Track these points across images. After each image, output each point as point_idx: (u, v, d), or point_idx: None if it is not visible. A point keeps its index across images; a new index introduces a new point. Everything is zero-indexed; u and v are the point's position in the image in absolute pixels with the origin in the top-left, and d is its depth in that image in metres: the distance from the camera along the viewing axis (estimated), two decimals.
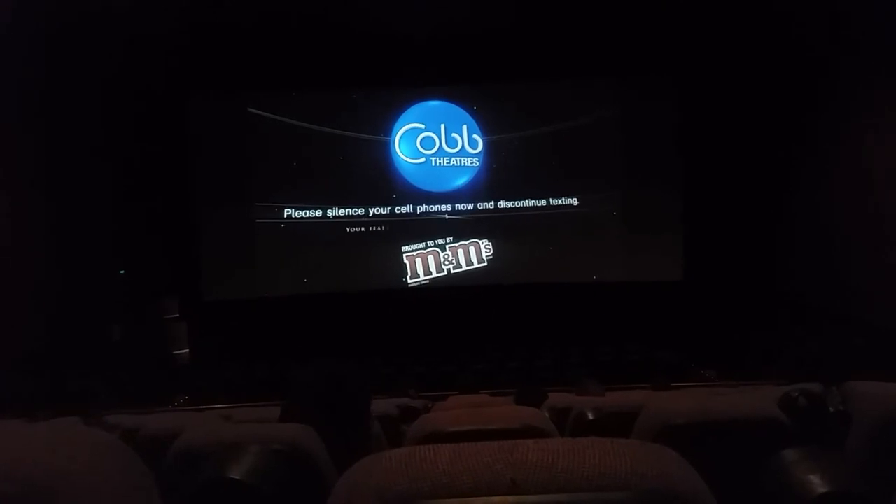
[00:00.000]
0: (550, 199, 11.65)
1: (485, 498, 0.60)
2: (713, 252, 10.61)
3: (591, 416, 2.37)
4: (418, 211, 11.65)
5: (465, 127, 11.65)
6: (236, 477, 1.00)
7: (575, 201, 11.66)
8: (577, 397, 3.76)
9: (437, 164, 11.61)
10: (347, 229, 11.52)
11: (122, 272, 10.40)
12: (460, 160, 11.63)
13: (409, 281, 11.59)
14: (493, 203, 11.69)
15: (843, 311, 8.61)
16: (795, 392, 1.75)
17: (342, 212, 11.50)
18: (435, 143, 11.59)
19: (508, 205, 11.68)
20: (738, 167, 10.48)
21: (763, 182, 10.50)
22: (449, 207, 11.67)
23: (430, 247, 11.65)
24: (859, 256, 8.60)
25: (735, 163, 10.47)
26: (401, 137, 11.57)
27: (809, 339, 8.12)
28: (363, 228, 11.56)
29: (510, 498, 0.60)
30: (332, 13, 9.53)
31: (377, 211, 11.58)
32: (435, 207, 11.67)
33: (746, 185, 10.51)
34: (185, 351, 10.60)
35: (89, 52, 8.92)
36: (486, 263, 11.64)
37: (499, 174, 11.68)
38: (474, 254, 11.66)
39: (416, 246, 11.63)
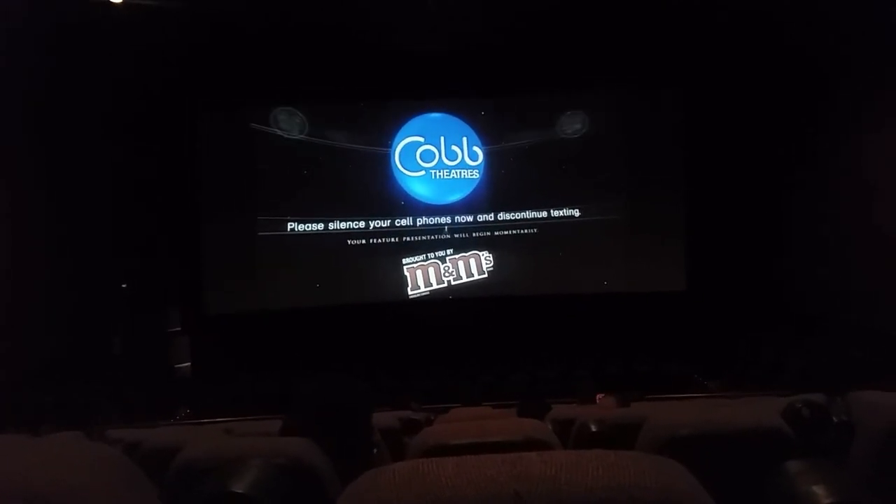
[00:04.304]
0: (551, 211, 11.65)
1: None
2: (716, 262, 10.59)
3: (594, 428, 2.36)
4: (419, 223, 11.66)
5: (464, 139, 11.68)
6: (239, 491, 1.00)
7: (577, 213, 11.65)
8: (580, 409, 3.74)
9: (437, 176, 11.63)
10: (349, 242, 11.52)
11: (124, 286, 10.41)
12: (460, 172, 11.65)
13: (410, 293, 11.58)
14: (492, 215, 11.69)
15: (847, 320, 8.59)
16: (799, 403, 1.75)
17: (343, 225, 11.51)
18: (434, 156, 11.62)
19: (508, 216, 11.68)
20: (741, 176, 10.49)
21: (766, 191, 10.50)
22: (449, 220, 11.68)
23: (431, 259, 11.65)
24: (862, 265, 8.59)
25: (737, 172, 10.48)
26: (401, 151, 11.61)
27: (813, 349, 8.12)
28: (364, 241, 11.57)
29: None
30: (333, 28, 9.58)
31: (378, 224, 11.59)
32: (435, 220, 11.67)
33: (749, 195, 10.52)
34: (186, 364, 10.58)
35: (93, 66, 8.97)
36: (486, 275, 11.63)
37: (499, 186, 11.70)
38: (475, 265, 11.66)
39: (416, 258, 11.63)
